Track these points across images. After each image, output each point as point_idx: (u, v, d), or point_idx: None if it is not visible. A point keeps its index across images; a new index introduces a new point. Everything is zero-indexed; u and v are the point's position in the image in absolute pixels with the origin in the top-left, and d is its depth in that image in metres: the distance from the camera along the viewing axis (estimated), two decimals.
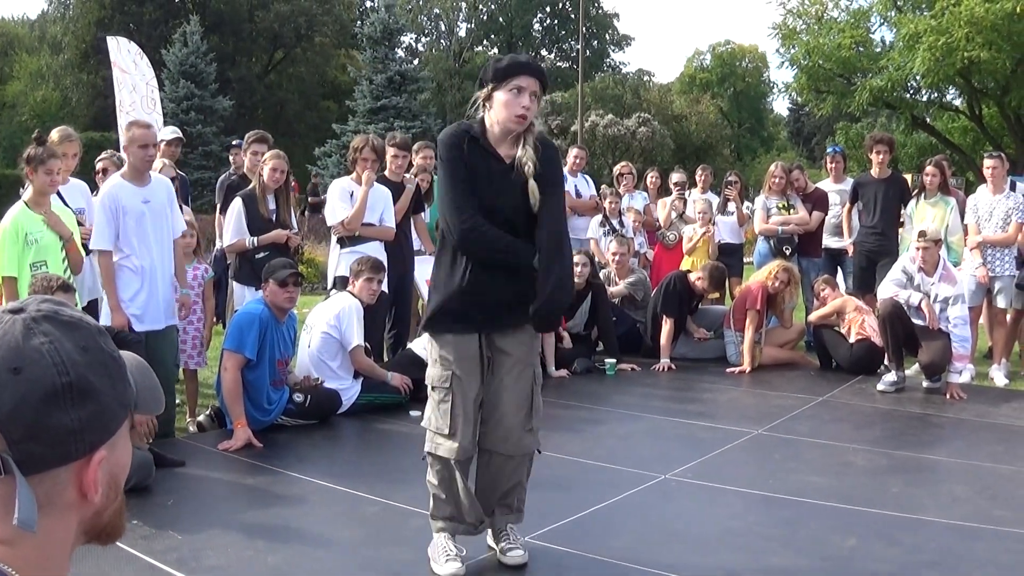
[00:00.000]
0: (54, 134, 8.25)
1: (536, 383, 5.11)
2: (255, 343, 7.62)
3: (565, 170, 12.60)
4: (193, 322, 8.70)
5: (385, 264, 9.18)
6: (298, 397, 8.06)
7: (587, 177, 13.51)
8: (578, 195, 12.71)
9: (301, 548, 5.29)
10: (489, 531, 5.19)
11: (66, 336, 1.39)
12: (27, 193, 7.36)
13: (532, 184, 4.76)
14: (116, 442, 1.44)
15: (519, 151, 4.82)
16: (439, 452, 4.96)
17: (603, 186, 14.11)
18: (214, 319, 9.37)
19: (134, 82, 14.87)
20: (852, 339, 10.58)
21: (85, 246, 7.80)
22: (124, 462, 1.49)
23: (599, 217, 12.85)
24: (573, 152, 13.46)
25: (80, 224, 7.84)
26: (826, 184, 12.88)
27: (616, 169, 14.35)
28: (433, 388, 5.00)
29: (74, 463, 1.38)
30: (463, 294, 4.85)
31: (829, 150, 13.70)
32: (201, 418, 8.35)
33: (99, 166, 9.55)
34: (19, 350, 1.34)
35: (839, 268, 12.37)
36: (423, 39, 78.64)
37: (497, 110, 4.76)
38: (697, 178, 14.14)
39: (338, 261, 9.62)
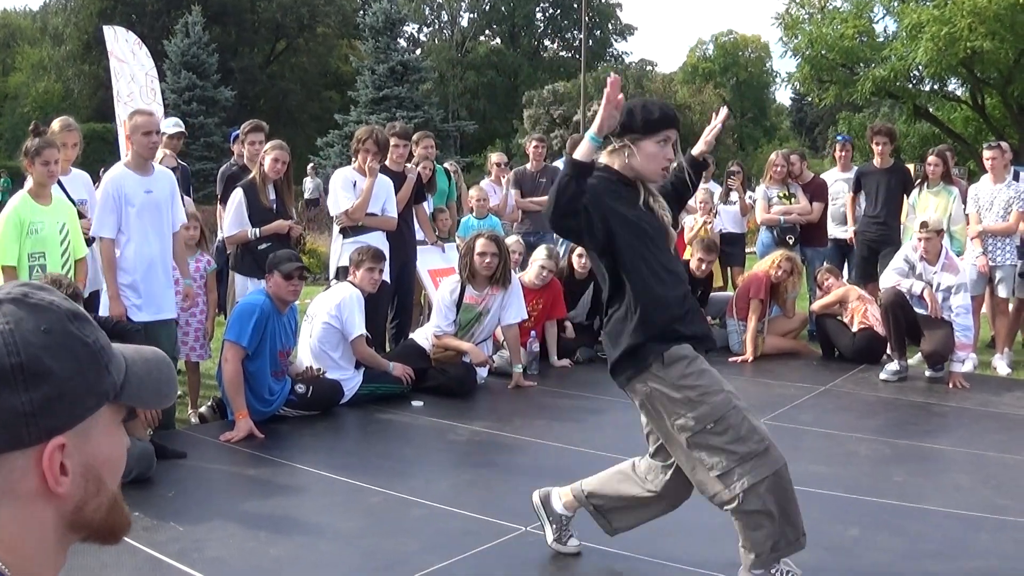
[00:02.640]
0: (55, 124, 8.23)
1: None
2: (255, 334, 7.61)
3: (561, 162, 12.67)
4: (196, 314, 8.68)
5: (387, 254, 9.17)
6: (300, 388, 8.05)
7: None
8: None
9: (303, 539, 5.29)
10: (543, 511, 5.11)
11: (29, 318, 1.36)
12: (28, 184, 7.35)
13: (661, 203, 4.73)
14: (89, 432, 1.40)
15: (648, 199, 4.70)
16: (762, 472, 4.46)
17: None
18: (216, 311, 9.35)
19: (132, 72, 14.78)
20: (855, 328, 10.58)
21: (89, 239, 7.80)
22: (104, 454, 1.44)
23: None
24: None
25: (82, 216, 7.82)
26: (833, 173, 12.82)
27: None
28: (714, 424, 4.44)
29: (31, 450, 1.34)
30: (684, 310, 4.65)
31: (838, 138, 13.66)
32: (203, 409, 8.35)
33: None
34: None
35: (846, 258, 12.33)
36: (425, 29, 78.88)
37: (640, 160, 4.59)
38: None
39: (340, 251, 9.60)
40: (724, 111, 5.13)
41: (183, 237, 8.17)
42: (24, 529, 1.36)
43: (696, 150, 5.08)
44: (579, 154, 4.29)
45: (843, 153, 12.78)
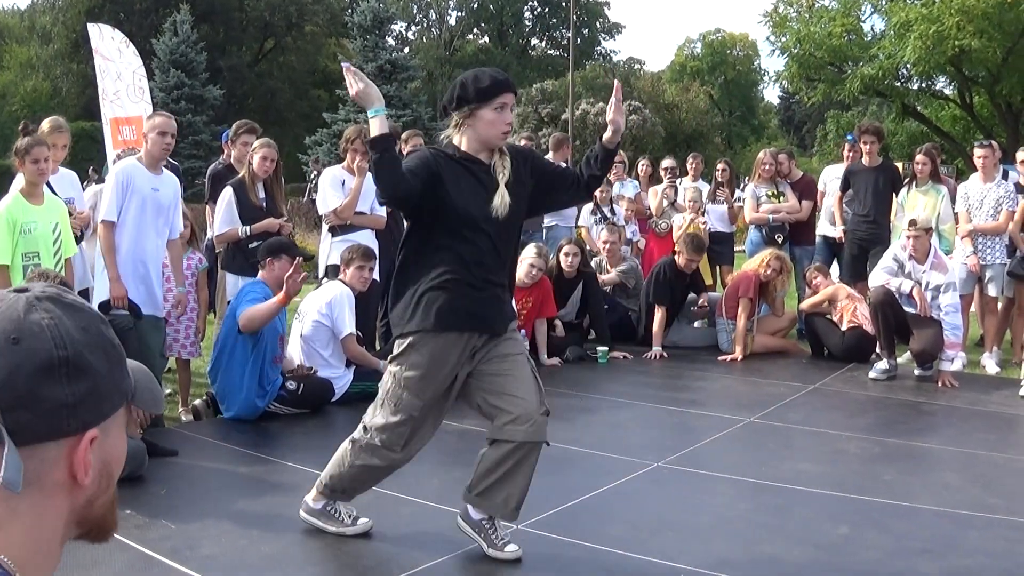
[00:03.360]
0: (44, 124, 8.26)
1: (534, 370, 5.11)
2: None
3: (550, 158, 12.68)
4: (187, 311, 8.69)
5: (376, 252, 9.17)
6: (291, 385, 8.06)
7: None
8: None
9: (294, 537, 5.28)
10: (467, 525, 5.11)
11: (67, 316, 1.41)
12: (19, 183, 7.35)
13: (503, 190, 4.85)
14: (110, 428, 1.45)
15: (495, 158, 4.90)
16: (377, 460, 5.11)
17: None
18: (207, 309, 9.34)
19: (119, 70, 14.68)
20: (844, 327, 10.59)
21: (76, 237, 7.81)
22: (117, 451, 1.49)
23: (590, 205, 12.85)
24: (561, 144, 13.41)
25: (70, 214, 7.83)
26: (838, 168, 12.72)
27: None
28: (396, 408, 4.91)
29: (65, 441, 1.38)
30: (470, 288, 4.80)
31: (848, 137, 13.62)
32: (197, 402, 8.35)
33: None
34: (19, 322, 1.36)
35: (836, 256, 12.33)
36: (413, 27, 78.74)
37: (481, 128, 4.79)
38: (688, 166, 14.15)
39: (329, 250, 9.60)
40: (617, 84, 5.25)
41: (179, 246, 8.23)
42: (39, 520, 1.39)
43: (605, 137, 5.14)
44: (374, 131, 4.55)
45: (851, 154, 12.66)
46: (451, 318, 4.78)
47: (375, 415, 5.01)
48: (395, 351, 4.92)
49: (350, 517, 5.30)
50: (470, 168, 4.83)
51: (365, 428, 5.05)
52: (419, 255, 4.84)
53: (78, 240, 7.91)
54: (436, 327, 4.76)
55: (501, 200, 4.82)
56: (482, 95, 4.74)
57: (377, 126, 4.56)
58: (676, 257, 11.28)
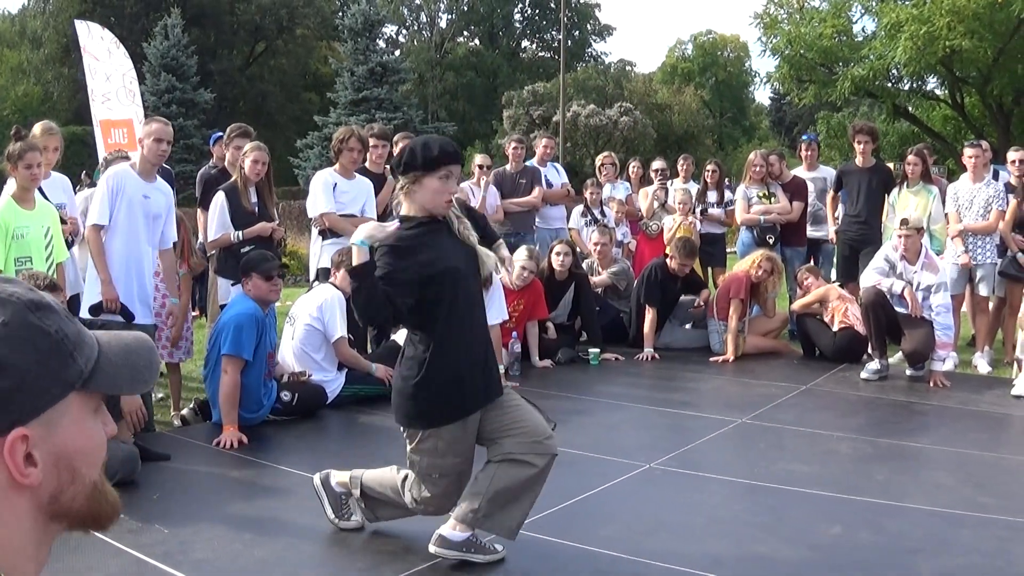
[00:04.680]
0: (36, 128, 8.26)
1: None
2: (252, 344, 7.60)
3: (534, 160, 12.73)
4: (162, 315, 8.67)
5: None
6: (285, 396, 8.04)
7: (557, 166, 13.51)
8: (549, 185, 12.68)
9: (288, 540, 5.29)
10: (450, 549, 5.01)
11: None
12: (11, 188, 7.35)
13: (480, 250, 5.11)
14: (56, 421, 1.37)
15: (457, 227, 5.04)
16: (425, 509, 5.13)
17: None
18: (196, 312, 9.31)
19: (108, 71, 14.57)
20: (835, 327, 10.60)
21: (68, 242, 7.80)
22: (76, 443, 1.41)
23: (580, 207, 12.87)
24: (543, 143, 13.40)
25: (63, 221, 7.82)
26: (799, 172, 12.86)
27: (598, 159, 14.36)
28: (440, 475, 4.95)
29: None
30: (462, 372, 4.90)
31: (804, 138, 13.70)
32: (185, 412, 8.34)
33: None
34: None
35: (813, 257, 12.40)
36: (404, 30, 78.62)
37: (424, 195, 4.90)
38: (679, 168, 14.17)
39: (320, 253, 9.59)
40: None
41: (173, 256, 8.20)
42: (1, 521, 1.36)
43: None
44: (354, 261, 4.75)
45: (808, 152, 12.87)
46: (464, 406, 4.89)
47: (422, 489, 5.02)
48: (413, 441, 4.94)
49: (349, 515, 5.40)
50: (429, 234, 4.95)
51: (416, 501, 5.06)
52: (417, 341, 4.92)
53: (69, 246, 7.89)
54: (453, 418, 4.88)
55: (486, 263, 5.13)
56: (429, 164, 4.85)
57: (356, 256, 4.79)
58: (668, 261, 11.29)
